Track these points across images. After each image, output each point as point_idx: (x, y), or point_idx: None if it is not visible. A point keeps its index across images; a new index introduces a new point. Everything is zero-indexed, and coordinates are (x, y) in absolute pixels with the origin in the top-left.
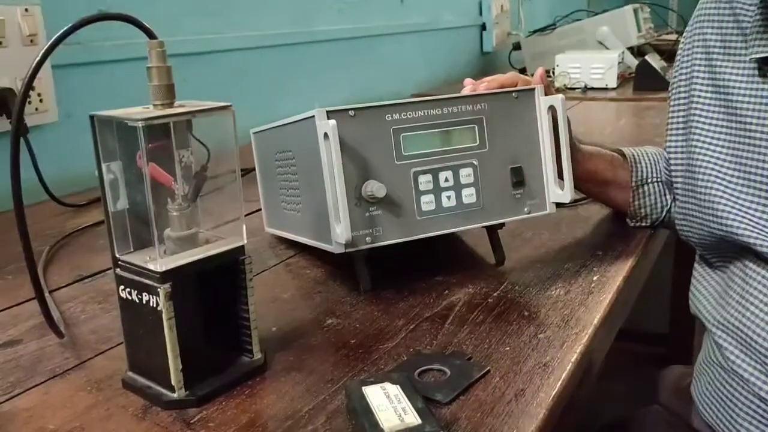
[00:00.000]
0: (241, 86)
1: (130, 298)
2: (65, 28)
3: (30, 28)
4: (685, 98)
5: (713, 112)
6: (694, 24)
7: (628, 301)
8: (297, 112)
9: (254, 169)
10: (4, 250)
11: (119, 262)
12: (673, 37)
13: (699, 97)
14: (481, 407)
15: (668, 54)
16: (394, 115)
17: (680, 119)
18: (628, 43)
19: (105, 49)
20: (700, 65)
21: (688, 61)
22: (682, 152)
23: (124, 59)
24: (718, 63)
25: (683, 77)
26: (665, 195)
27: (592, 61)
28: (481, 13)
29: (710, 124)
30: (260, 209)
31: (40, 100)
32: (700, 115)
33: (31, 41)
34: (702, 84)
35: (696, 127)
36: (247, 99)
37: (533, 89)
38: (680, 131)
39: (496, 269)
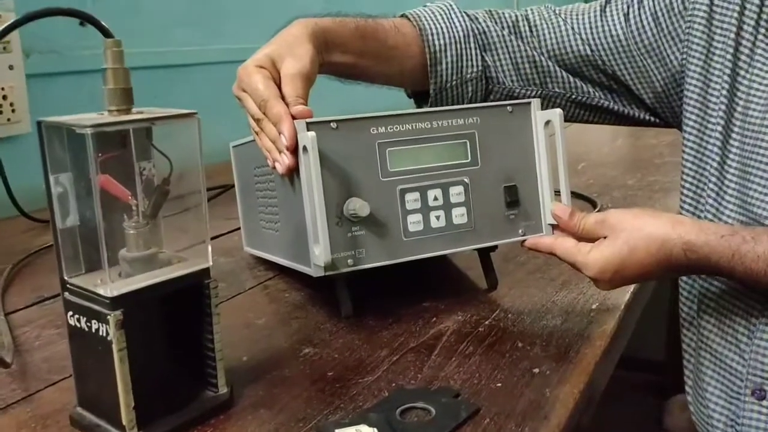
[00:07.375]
0: (230, 99)
1: (78, 325)
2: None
3: None
4: None
5: None
6: None
7: (627, 330)
8: None
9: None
10: None
11: (68, 285)
12: None
13: None
14: None
15: None
16: (379, 128)
17: None
18: None
19: (85, 58)
20: None
21: None
22: None
23: None
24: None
25: None
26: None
27: None
28: None
29: None
30: (240, 228)
31: (12, 110)
32: None
33: (4, 48)
34: None
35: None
36: (235, 112)
37: (529, 102)
38: None
39: (488, 295)
